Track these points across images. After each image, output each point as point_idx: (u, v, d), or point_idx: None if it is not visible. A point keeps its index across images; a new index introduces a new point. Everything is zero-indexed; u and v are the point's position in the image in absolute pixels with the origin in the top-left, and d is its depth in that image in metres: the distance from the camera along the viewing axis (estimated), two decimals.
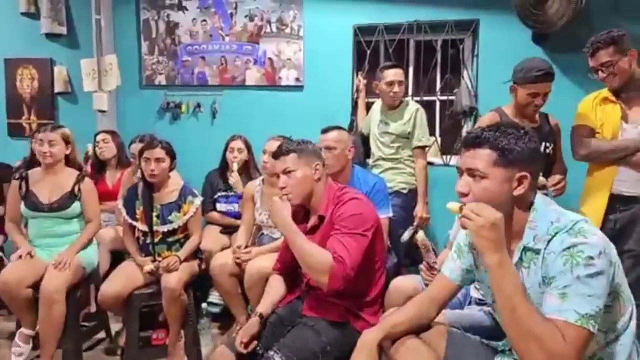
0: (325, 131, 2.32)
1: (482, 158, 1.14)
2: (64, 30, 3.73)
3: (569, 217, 1.12)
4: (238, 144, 3.04)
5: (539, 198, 1.18)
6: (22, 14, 3.74)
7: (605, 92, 2.10)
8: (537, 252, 1.13)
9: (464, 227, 1.14)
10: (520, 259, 1.17)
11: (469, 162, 1.17)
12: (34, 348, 2.30)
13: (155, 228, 2.36)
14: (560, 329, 1.01)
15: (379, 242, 1.75)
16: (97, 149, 3.12)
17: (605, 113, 2.07)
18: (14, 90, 3.85)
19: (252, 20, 3.55)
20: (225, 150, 3.07)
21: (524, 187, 1.13)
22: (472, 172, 1.16)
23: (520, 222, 1.17)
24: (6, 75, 3.84)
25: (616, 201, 2.03)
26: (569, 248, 1.05)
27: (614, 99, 2.06)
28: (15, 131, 3.89)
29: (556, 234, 1.10)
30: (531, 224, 1.15)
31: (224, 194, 3.06)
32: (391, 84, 2.75)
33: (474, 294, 1.76)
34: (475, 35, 3.26)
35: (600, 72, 2.04)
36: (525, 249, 1.16)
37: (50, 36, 3.74)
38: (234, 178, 2.91)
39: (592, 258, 1.02)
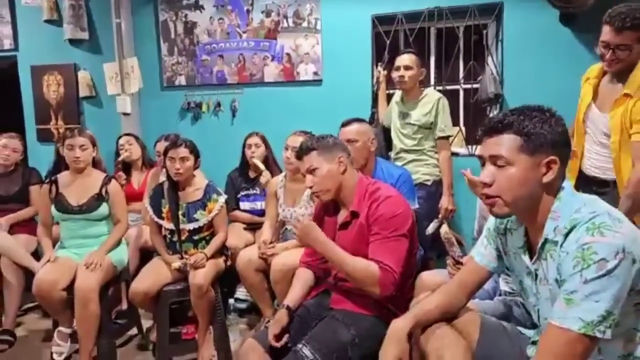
0: (345, 124, 2.29)
1: (505, 144, 1.08)
2: (85, 35, 3.79)
3: (591, 207, 1.03)
4: (254, 140, 3.04)
5: (568, 186, 1.11)
6: (45, 21, 3.82)
7: (594, 69, 2.04)
8: (556, 243, 1.06)
9: (493, 214, 1.10)
10: (542, 249, 1.11)
11: (491, 148, 1.11)
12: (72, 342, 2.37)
13: (181, 226, 2.39)
14: (559, 335, 0.98)
15: (414, 237, 1.74)
16: (122, 151, 3.18)
17: (584, 91, 2.07)
18: (41, 97, 3.95)
19: (268, 15, 3.54)
20: (244, 147, 3.08)
21: (553, 172, 1.07)
22: (495, 159, 1.10)
23: (545, 212, 1.10)
24: (33, 82, 3.95)
25: (592, 182, 2.02)
26: (581, 248, 0.97)
27: (596, 77, 2.01)
28: (44, 136, 3.99)
29: (573, 227, 1.02)
30: (553, 214, 1.09)
31: (246, 192, 3.07)
32: (397, 69, 2.71)
33: (503, 286, 1.71)
34: (499, 20, 3.16)
35: (610, 50, 1.83)
36: (546, 241, 1.10)
37: (73, 42, 3.82)
38: (265, 177, 2.87)
39: (605, 260, 0.94)
